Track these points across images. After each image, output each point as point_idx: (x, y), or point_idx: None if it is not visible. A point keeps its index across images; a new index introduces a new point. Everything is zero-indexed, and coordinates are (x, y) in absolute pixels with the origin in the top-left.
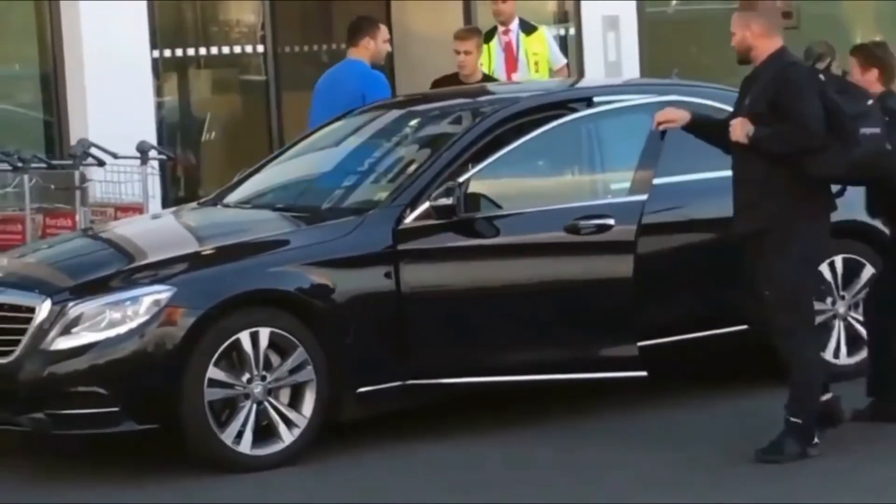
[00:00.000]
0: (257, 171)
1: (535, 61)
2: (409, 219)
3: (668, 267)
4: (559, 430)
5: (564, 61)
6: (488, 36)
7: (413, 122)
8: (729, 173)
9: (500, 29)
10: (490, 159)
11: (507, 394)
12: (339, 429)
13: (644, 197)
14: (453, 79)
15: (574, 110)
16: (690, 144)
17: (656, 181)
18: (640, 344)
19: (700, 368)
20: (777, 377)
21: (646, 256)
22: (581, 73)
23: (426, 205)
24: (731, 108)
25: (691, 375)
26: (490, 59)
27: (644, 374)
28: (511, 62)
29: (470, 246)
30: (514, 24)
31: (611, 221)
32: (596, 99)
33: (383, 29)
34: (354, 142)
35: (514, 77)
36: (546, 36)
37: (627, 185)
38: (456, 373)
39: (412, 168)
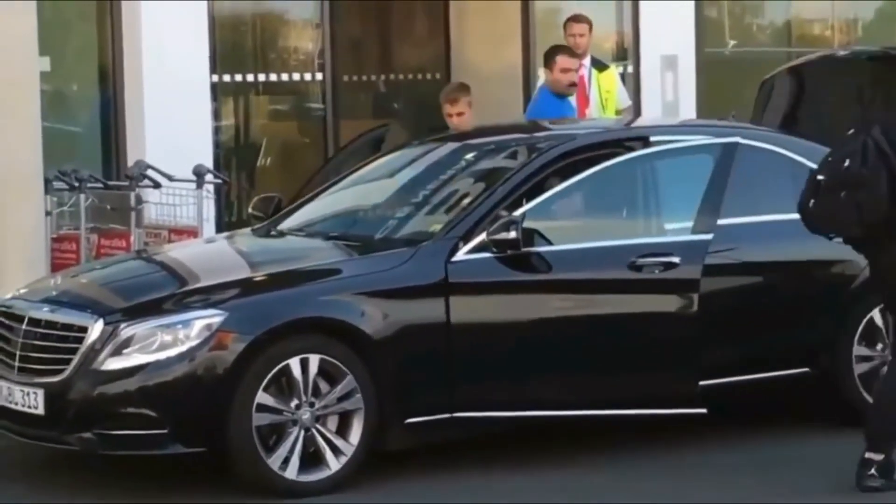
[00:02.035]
0: (312, 198)
1: (606, 98)
2: (463, 252)
3: (730, 307)
4: (608, 463)
5: (629, 103)
6: None
7: (469, 156)
8: (792, 216)
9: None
10: (547, 194)
11: (555, 427)
12: (385, 457)
13: (709, 236)
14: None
15: (630, 149)
16: (755, 187)
17: (721, 221)
18: (701, 383)
19: (756, 407)
20: (835, 420)
21: (709, 295)
22: (638, 112)
23: (480, 238)
24: (780, 150)
25: (747, 413)
26: None
27: (704, 411)
28: (582, 97)
29: (527, 280)
30: (587, 60)
31: (676, 259)
32: (653, 138)
33: (559, 60)
34: (409, 173)
35: (587, 112)
36: (615, 75)
37: (690, 224)
38: (506, 406)
39: (467, 201)
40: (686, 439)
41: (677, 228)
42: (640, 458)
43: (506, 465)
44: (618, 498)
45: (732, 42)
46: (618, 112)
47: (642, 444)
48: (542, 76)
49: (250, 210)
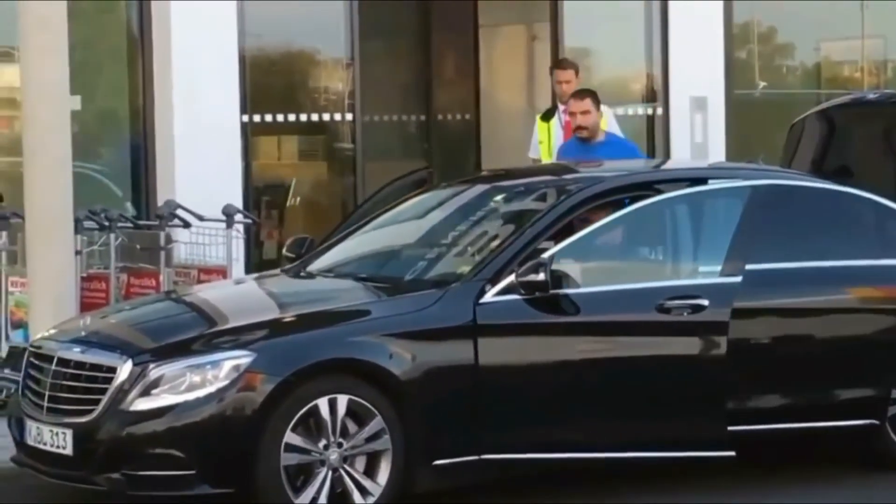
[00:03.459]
0: (341, 240)
1: None
2: (491, 293)
3: (757, 351)
4: None
5: None
6: (549, 114)
7: (498, 198)
8: (823, 263)
9: (561, 108)
10: (575, 237)
11: (580, 470)
12: (414, 499)
13: (738, 279)
14: None
15: (658, 192)
16: (785, 232)
17: (750, 266)
18: (730, 428)
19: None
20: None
21: (737, 339)
22: (667, 153)
23: (509, 280)
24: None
25: (778, 457)
26: (550, 137)
27: (732, 454)
28: None
29: (555, 322)
30: None
31: (704, 302)
32: (681, 181)
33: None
34: (438, 215)
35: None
36: (608, 117)
37: (719, 267)
38: (533, 448)
39: (495, 243)
40: (714, 483)
41: (706, 271)
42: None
43: None
44: None
45: (762, 84)
46: None
47: (669, 487)
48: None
49: (284, 251)
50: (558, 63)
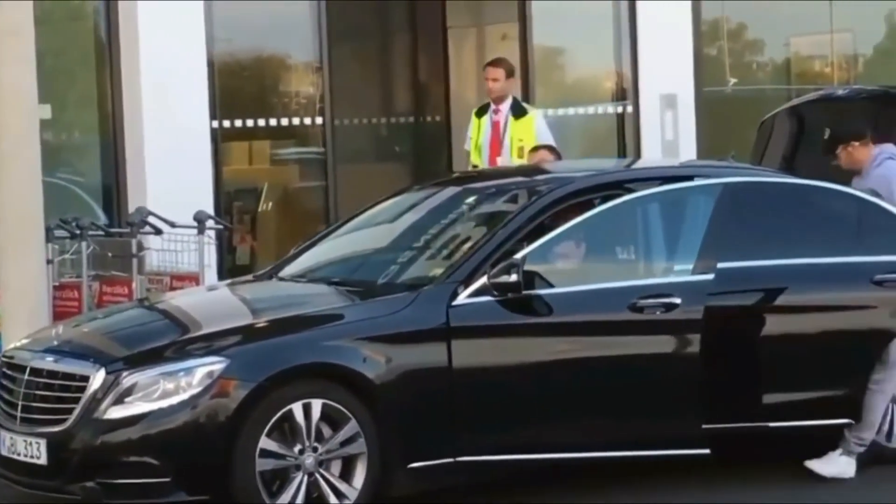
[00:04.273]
0: (313, 244)
1: (520, 146)
2: (464, 295)
3: (731, 349)
4: None
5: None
6: (482, 111)
7: (469, 200)
8: (796, 261)
9: (493, 107)
10: (546, 238)
11: (553, 472)
12: (392, 501)
13: (710, 276)
14: None
15: (629, 191)
16: (757, 229)
17: (723, 265)
18: (704, 426)
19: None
20: None
21: (710, 337)
22: (638, 152)
23: (481, 281)
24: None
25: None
26: (479, 135)
27: (707, 451)
28: (496, 144)
29: (528, 323)
30: (506, 105)
31: (677, 300)
32: (652, 180)
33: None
34: (410, 218)
35: (499, 160)
36: (536, 122)
37: (690, 265)
38: (509, 450)
39: (467, 245)
40: (689, 482)
41: (678, 270)
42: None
43: None
44: None
45: (732, 80)
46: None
47: (644, 487)
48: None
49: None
50: (489, 61)
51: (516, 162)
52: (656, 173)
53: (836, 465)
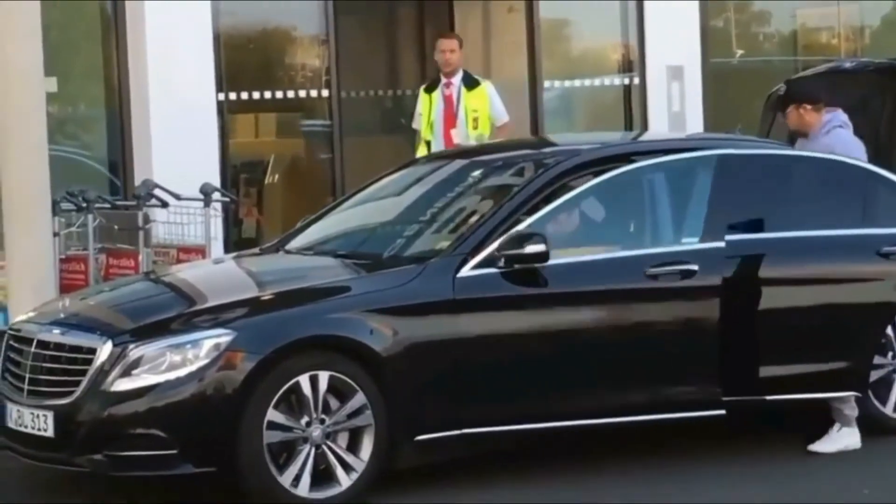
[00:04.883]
0: (320, 217)
1: (475, 118)
2: (471, 267)
3: (745, 319)
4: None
5: (507, 119)
6: (431, 87)
7: (475, 173)
8: (808, 233)
9: (443, 81)
10: (550, 207)
11: (558, 444)
12: (398, 475)
13: (721, 244)
14: None
15: (634, 163)
16: (762, 201)
17: (735, 237)
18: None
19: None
20: None
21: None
22: (644, 124)
23: (487, 253)
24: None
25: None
26: (430, 111)
27: (723, 412)
28: (450, 117)
29: (534, 294)
30: (457, 78)
31: (695, 267)
32: (657, 153)
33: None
34: (417, 191)
35: (453, 133)
36: (488, 92)
37: (697, 236)
38: (515, 421)
39: (474, 218)
40: (698, 452)
41: (690, 237)
42: (652, 467)
43: (512, 481)
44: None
45: (739, 52)
46: (493, 130)
47: (654, 454)
48: None
49: None
50: (442, 33)
51: (472, 134)
52: (663, 146)
53: (839, 440)
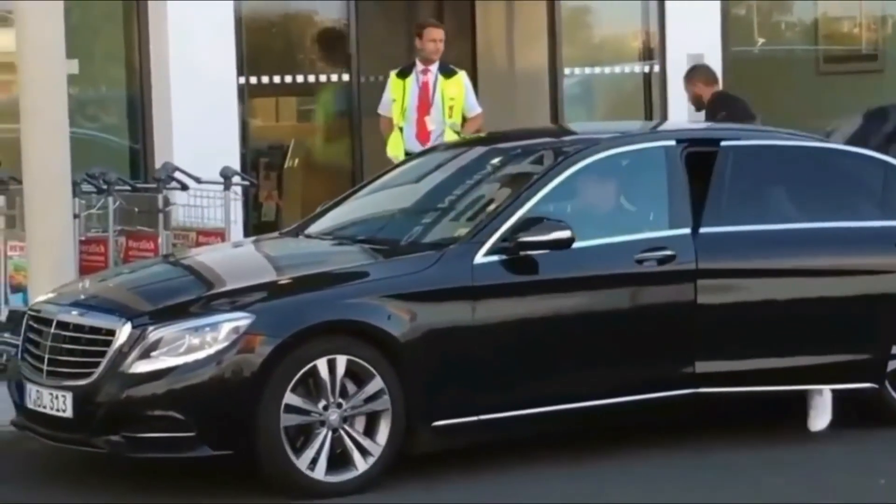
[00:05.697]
0: (339, 203)
1: (451, 105)
2: (489, 254)
3: (726, 313)
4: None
5: (479, 110)
6: (405, 73)
7: (495, 160)
8: (827, 224)
9: (420, 67)
10: (569, 194)
11: (567, 433)
12: (414, 459)
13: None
14: None
15: (653, 151)
16: (769, 192)
17: (743, 227)
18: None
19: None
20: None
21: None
22: (664, 112)
23: (505, 239)
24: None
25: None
26: (404, 97)
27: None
28: (425, 103)
29: (552, 280)
30: (435, 66)
31: (670, 252)
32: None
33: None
34: (436, 178)
35: (427, 119)
36: (464, 82)
37: (693, 226)
38: (529, 404)
39: (493, 205)
40: (690, 440)
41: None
42: (651, 455)
43: (524, 469)
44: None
45: (760, 40)
46: (465, 120)
47: (648, 444)
48: None
49: None
50: (431, 22)
51: (448, 122)
52: (681, 135)
53: (824, 406)
